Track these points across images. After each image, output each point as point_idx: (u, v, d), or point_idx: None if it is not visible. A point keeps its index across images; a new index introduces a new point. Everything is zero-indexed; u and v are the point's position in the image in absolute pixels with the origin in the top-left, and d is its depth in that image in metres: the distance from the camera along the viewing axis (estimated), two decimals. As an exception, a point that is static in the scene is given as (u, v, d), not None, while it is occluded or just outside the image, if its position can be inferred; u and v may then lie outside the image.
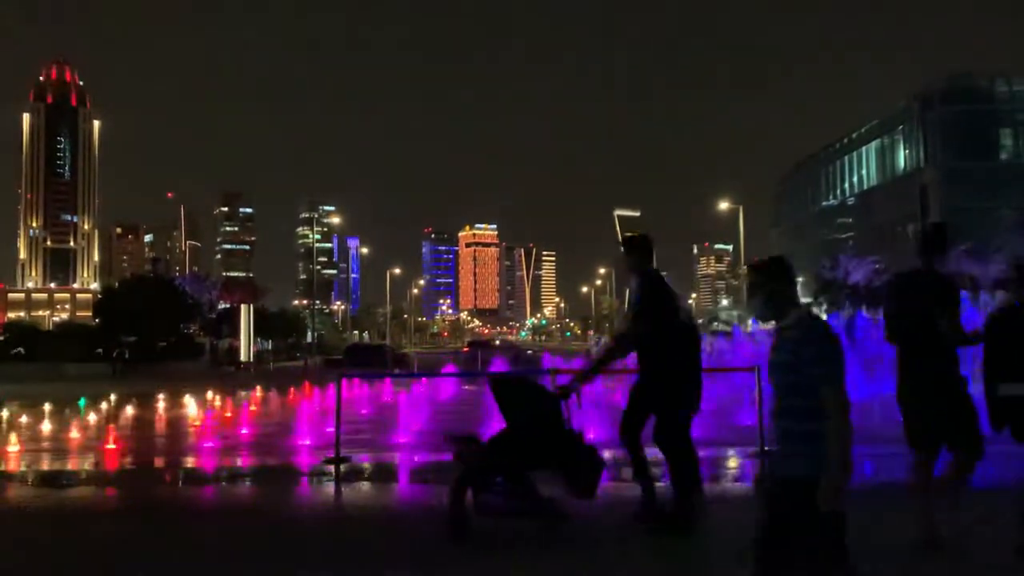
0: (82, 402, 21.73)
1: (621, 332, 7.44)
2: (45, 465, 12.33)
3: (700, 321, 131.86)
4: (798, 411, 3.66)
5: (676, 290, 7.24)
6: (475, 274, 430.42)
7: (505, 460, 6.55)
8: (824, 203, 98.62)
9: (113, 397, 23.13)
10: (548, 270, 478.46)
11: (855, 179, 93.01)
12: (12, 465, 11.89)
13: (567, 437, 6.56)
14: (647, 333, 6.79)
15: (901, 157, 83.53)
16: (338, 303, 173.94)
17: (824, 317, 3.99)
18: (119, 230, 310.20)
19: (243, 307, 56.28)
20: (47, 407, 19.04)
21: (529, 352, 68.35)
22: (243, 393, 25.00)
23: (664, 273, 7.24)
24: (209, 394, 22.30)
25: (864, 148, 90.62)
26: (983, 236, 55.21)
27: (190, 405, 20.53)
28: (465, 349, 65.70)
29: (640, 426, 6.87)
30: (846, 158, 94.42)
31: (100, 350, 44.27)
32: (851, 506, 3.59)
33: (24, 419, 18.05)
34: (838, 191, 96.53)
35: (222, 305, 71.11)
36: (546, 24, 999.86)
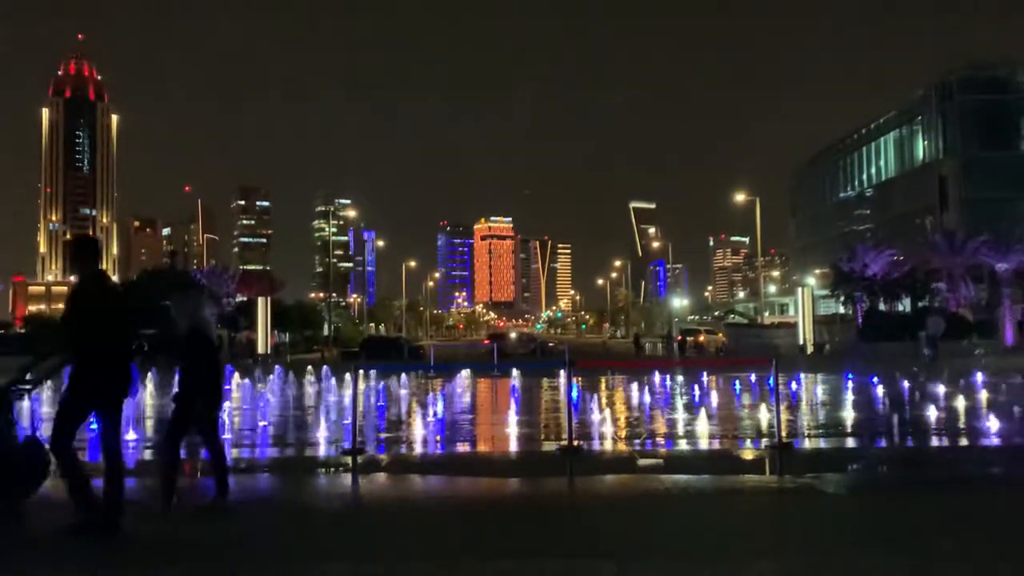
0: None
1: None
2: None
3: (716, 313, 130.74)
4: None
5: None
6: (490, 267, 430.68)
7: None
8: (842, 194, 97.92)
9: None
10: (564, 262, 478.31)
11: (873, 170, 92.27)
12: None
13: (4, 440, 6.45)
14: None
15: (920, 148, 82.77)
16: (354, 296, 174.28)
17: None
18: (137, 224, 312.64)
19: (260, 300, 56.41)
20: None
21: (551, 344, 68.64)
22: (260, 385, 25.20)
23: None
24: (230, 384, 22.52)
25: (882, 139, 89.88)
26: (1003, 227, 54.67)
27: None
28: (485, 341, 65.88)
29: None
30: (864, 149, 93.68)
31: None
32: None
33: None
34: (856, 182, 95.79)
35: (239, 298, 71.35)
36: (561, 18, 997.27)
